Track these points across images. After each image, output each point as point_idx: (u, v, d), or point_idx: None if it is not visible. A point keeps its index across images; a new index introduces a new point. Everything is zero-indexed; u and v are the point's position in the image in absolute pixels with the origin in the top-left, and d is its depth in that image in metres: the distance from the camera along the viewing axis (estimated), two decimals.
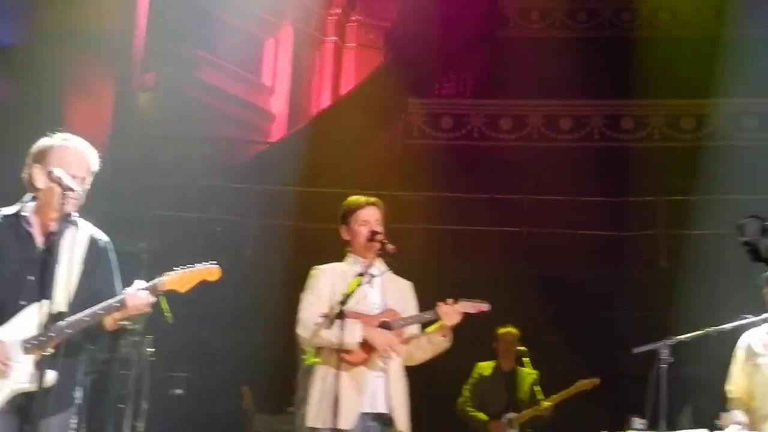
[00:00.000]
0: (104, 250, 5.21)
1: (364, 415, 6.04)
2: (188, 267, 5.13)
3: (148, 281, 5.07)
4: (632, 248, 13.80)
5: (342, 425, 5.89)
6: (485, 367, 10.24)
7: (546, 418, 9.84)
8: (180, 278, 5.10)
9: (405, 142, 16.26)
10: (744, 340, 6.82)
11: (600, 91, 16.00)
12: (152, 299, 5.05)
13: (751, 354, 6.73)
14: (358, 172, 14.21)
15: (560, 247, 13.74)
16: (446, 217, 14.23)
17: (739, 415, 6.45)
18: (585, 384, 9.83)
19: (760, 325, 6.73)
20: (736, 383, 6.84)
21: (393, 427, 6.08)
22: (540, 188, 14.39)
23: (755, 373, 6.70)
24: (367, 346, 6.05)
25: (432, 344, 6.27)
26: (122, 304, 4.97)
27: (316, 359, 6.20)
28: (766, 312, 6.68)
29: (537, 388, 9.84)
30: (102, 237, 5.23)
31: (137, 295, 5.01)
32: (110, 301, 4.97)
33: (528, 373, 9.97)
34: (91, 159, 5.13)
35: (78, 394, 5.23)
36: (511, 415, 9.87)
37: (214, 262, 5.15)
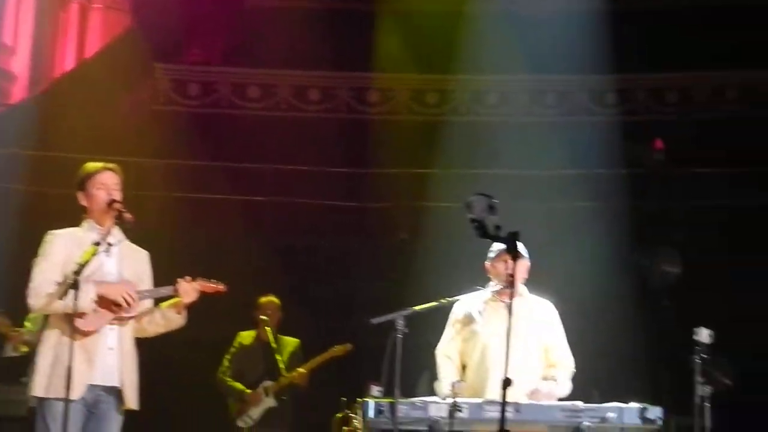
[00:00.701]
0: None
1: (94, 387, 5.96)
2: None
3: None
4: (375, 219, 14.06)
5: (70, 395, 5.79)
6: (246, 336, 10.30)
7: (301, 387, 9.94)
8: None
9: (151, 108, 15.97)
10: (461, 308, 7.06)
11: (348, 63, 16.14)
12: None
13: (470, 320, 6.99)
14: (102, 137, 13.90)
15: (305, 218, 13.87)
16: (192, 185, 14.11)
17: (462, 384, 6.69)
18: (338, 350, 10.01)
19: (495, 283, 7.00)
20: (448, 346, 7.06)
21: (122, 402, 6.03)
22: (287, 158, 14.45)
23: (471, 339, 6.97)
24: (103, 305, 5.95)
25: (166, 320, 6.25)
26: None
27: (33, 328, 6.08)
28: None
29: (279, 357, 9.92)
30: None
31: None
32: None
33: (289, 341, 10.05)
34: None
35: None
36: (268, 383, 9.95)
37: None
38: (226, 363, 10.23)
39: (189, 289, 6.14)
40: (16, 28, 18.72)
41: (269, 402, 9.96)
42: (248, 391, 9.97)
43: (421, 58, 15.48)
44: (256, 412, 9.98)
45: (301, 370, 9.91)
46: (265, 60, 16.10)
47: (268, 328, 9.97)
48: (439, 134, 14.86)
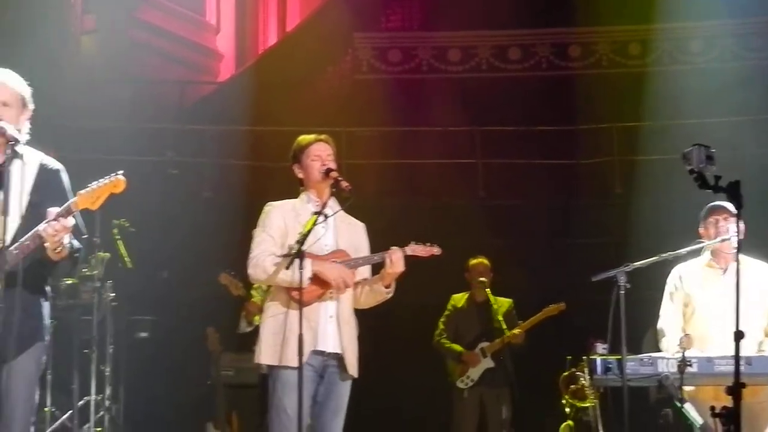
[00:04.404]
0: (55, 175, 5.16)
1: (320, 353, 6.04)
2: (95, 183, 4.99)
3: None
4: (586, 175, 13.89)
5: (292, 363, 5.89)
6: (459, 299, 10.37)
7: (518, 346, 9.98)
8: (89, 195, 4.95)
9: (354, 77, 16.18)
10: (676, 275, 6.90)
11: (547, 19, 15.99)
12: (70, 222, 4.92)
13: (687, 288, 6.83)
14: (309, 109, 14.17)
15: (515, 178, 13.80)
16: (400, 151, 14.25)
17: (690, 337, 6.54)
18: (552, 309, 9.98)
19: (710, 248, 6.81)
20: (671, 320, 6.90)
21: (345, 370, 6.09)
22: (491, 119, 14.41)
23: (689, 306, 6.81)
24: (318, 282, 6.03)
25: (374, 293, 6.24)
26: (41, 234, 4.89)
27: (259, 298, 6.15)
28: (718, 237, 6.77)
29: (500, 318, 9.93)
30: (52, 164, 5.17)
31: (52, 223, 4.90)
32: (35, 229, 4.90)
33: (503, 302, 10.08)
34: (10, 83, 5.09)
35: (46, 332, 5.19)
36: (484, 344, 10.02)
37: (121, 172, 5.02)
38: (441, 326, 10.32)
39: (396, 259, 6.12)
40: (218, 7, 19.21)
41: (487, 363, 10.02)
42: (465, 350, 10.04)
43: (621, 9, 15.19)
44: (475, 373, 10.06)
45: (517, 330, 9.92)
46: (463, 22, 16.09)
47: (487, 290, 10.01)
48: (643, 85, 14.59)
